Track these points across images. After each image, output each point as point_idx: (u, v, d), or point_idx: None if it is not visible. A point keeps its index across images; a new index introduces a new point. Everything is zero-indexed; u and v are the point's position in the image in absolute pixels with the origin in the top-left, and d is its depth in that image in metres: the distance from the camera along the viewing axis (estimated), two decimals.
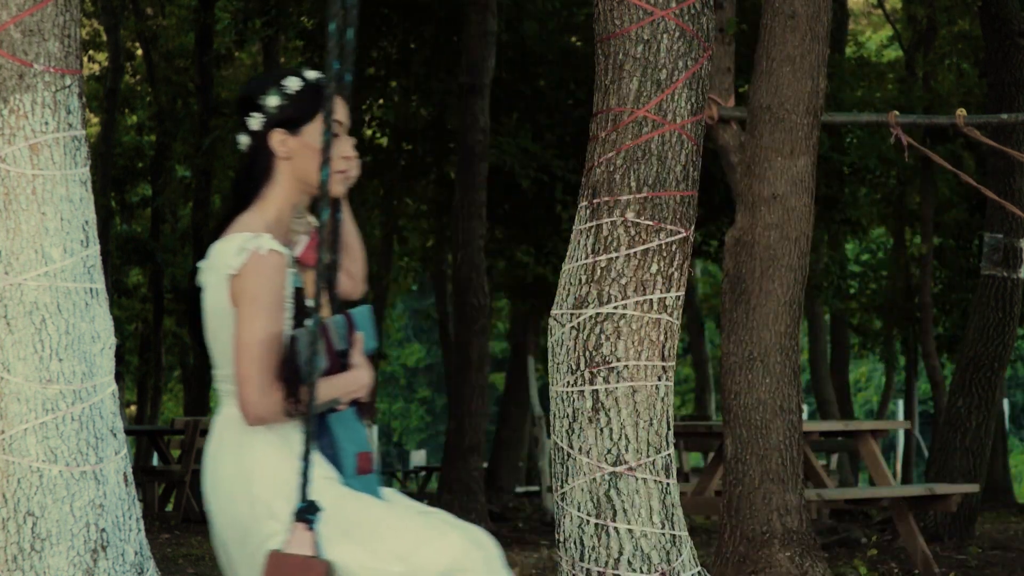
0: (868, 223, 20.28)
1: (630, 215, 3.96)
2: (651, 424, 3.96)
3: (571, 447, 3.98)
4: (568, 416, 4.00)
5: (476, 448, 13.07)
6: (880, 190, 19.29)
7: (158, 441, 14.78)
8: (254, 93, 3.40)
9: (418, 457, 29.68)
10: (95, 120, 22.43)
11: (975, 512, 10.79)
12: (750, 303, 6.43)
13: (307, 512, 3.14)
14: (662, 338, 3.98)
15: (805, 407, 11.52)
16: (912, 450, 23.55)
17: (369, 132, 18.37)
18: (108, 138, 19.61)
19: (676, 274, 4.00)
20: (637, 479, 3.93)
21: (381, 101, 17.68)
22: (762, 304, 6.41)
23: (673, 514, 3.98)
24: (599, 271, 3.98)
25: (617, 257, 3.97)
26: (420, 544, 3.23)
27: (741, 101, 8.86)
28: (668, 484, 3.97)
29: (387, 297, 23.51)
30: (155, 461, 14.90)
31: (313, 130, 3.38)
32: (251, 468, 3.25)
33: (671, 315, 3.99)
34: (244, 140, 3.41)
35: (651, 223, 3.97)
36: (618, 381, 3.95)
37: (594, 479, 3.94)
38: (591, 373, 3.97)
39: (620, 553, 3.93)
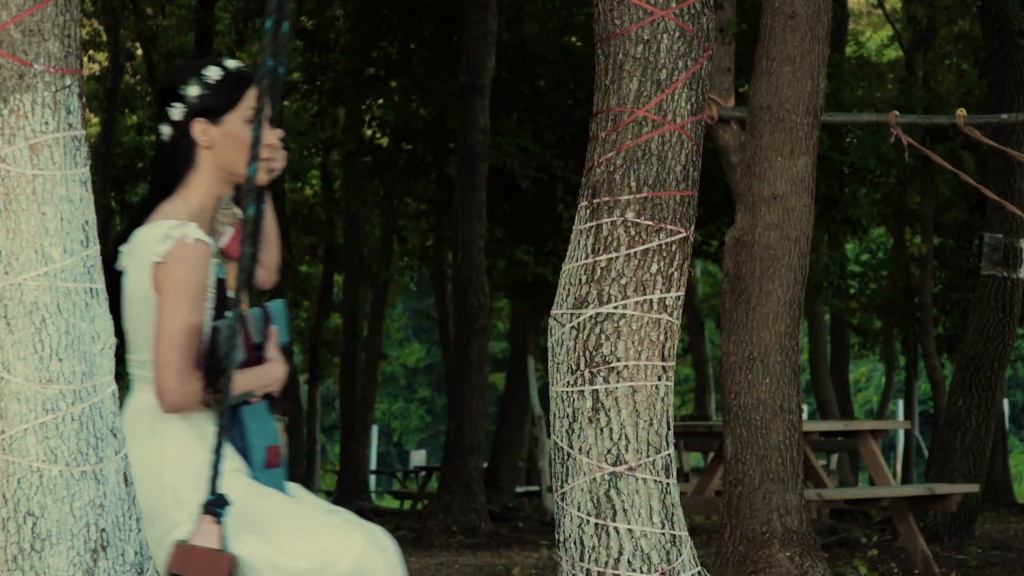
0: (868, 223, 20.28)
1: (630, 215, 3.96)
2: (651, 424, 3.97)
3: (571, 447, 3.99)
4: (568, 416, 4.00)
5: (476, 448, 13.07)
6: (880, 190, 19.30)
7: None
8: (175, 83, 3.41)
9: (418, 457, 29.69)
10: (95, 120, 22.42)
11: (975, 512, 10.79)
12: (750, 303, 6.43)
13: (216, 505, 3.14)
14: (662, 338, 3.98)
15: (805, 407, 11.52)
16: (912, 450, 23.56)
17: (369, 132, 18.38)
18: (108, 138, 19.61)
19: (676, 274, 4.00)
20: (637, 479, 3.93)
21: (381, 101, 17.68)
22: (762, 304, 6.41)
23: (673, 514, 3.98)
24: (599, 271, 3.98)
25: (617, 257, 3.97)
26: (326, 543, 3.25)
27: (741, 101, 8.86)
28: (668, 484, 3.97)
29: (387, 297, 23.52)
30: None
31: (234, 119, 3.39)
32: (163, 456, 3.26)
33: (671, 315, 4.00)
34: (166, 130, 3.41)
35: (651, 223, 3.97)
36: (618, 381, 3.95)
37: (594, 479, 3.95)
38: (591, 373, 3.97)
39: (620, 553, 3.93)
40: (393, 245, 21.73)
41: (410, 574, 9.78)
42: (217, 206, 3.42)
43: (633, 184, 3.98)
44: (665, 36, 4.01)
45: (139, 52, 22.97)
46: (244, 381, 3.30)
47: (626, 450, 3.94)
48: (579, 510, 3.96)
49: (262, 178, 3.33)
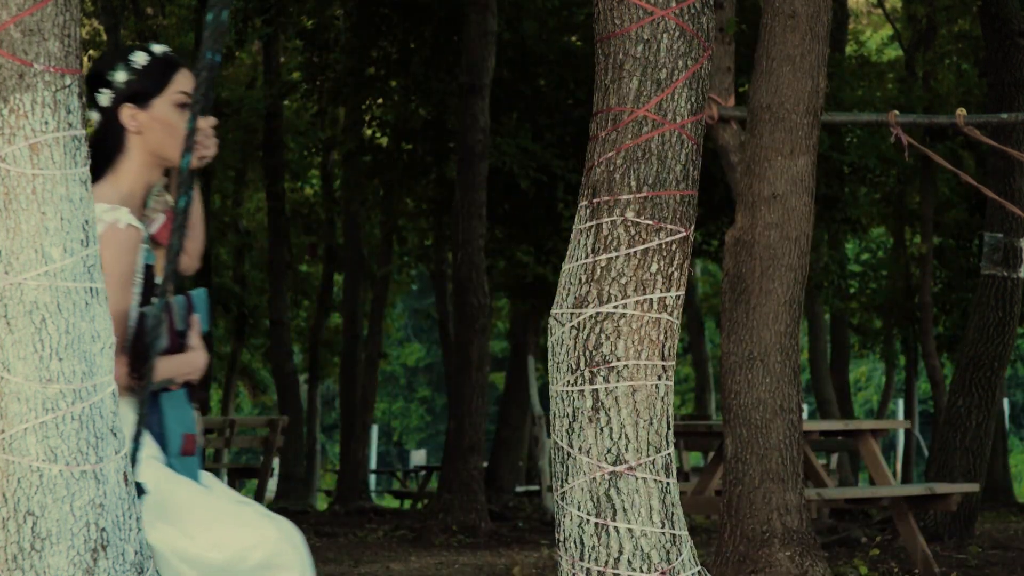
0: (868, 223, 20.29)
1: (630, 215, 3.96)
2: (651, 423, 3.97)
3: (571, 446, 3.99)
4: (568, 415, 4.00)
5: (476, 447, 13.07)
6: (880, 189, 19.30)
7: None
8: (102, 69, 3.42)
9: (418, 456, 29.70)
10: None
11: (975, 512, 10.79)
12: (750, 303, 6.43)
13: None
14: (662, 337, 3.98)
15: (805, 406, 11.52)
16: (912, 450, 23.56)
17: (369, 132, 18.38)
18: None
19: (676, 273, 4.00)
20: (637, 478, 3.93)
21: (381, 101, 17.68)
22: (762, 304, 6.41)
23: (673, 513, 3.98)
24: (599, 270, 3.98)
25: (617, 256, 3.97)
26: (238, 535, 3.25)
27: (741, 100, 8.87)
28: (668, 483, 3.97)
29: (387, 297, 23.52)
30: None
31: (162, 103, 3.40)
32: None
33: (671, 314, 4.00)
34: (95, 116, 3.42)
35: (651, 223, 3.97)
36: (618, 380, 3.95)
37: (594, 478, 3.95)
38: (591, 372, 3.97)
39: (620, 552, 3.93)
40: (393, 245, 21.73)
41: (410, 574, 9.78)
42: (148, 192, 3.43)
43: (633, 184, 3.98)
44: (665, 36, 4.01)
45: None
46: (166, 368, 3.31)
47: (626, 449, 3.94)
48: (579, 509, 3.96)
49: (193, 163, 3.34)
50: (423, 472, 21.49)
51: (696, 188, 4.09)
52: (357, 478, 20.32)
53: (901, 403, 27.55)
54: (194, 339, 3.42)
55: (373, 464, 27.62)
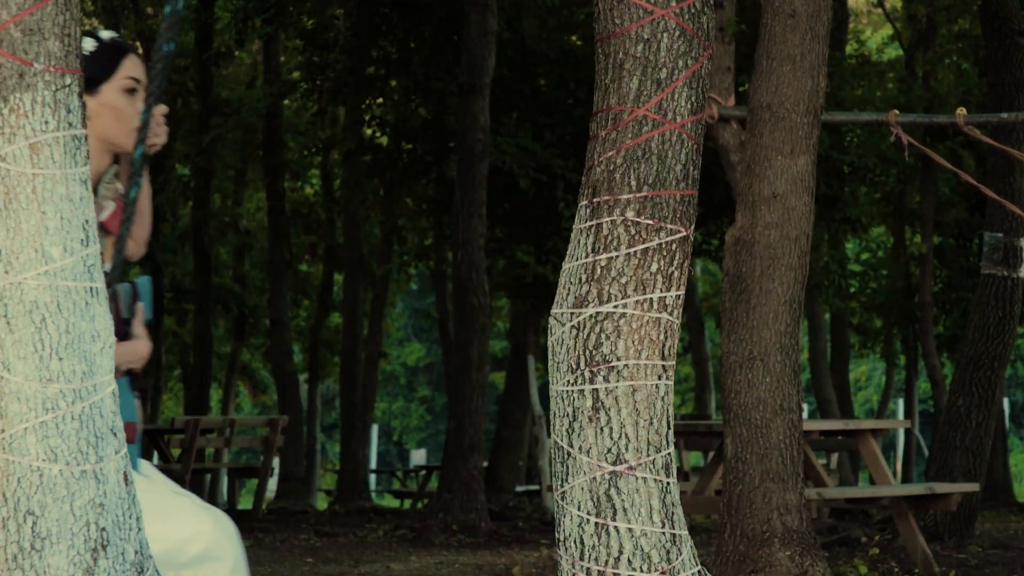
0: (868, 222, 20.29)
1: (630, 214, 3.96)
2: (651, 423, 3.97)
3: (571, 446, 3.99)
4: (568, 415, 4.00)
5: (476, 447, 13.07)
6: (880, 189, 19.30)
7: (158, 440, 14.79)
8: None
9: (418, 456, 29.71)
10: None
11: (975, 511, 10.79)
12: (750, 302, 6.43)
13: None
14: (662, 337, 3.98)
15: (805, 406, 11.53)
16: (912, 449, 23.56)
17: (369, 132, 18.38)
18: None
19: (676, 273, 4.00)
20: (637, 478, 3.93)
21: (381, 101, 17.68)
22: (762, 303, 6.41)
23: (673, 513, 3.98)
24: (599, 270, 3.98)
25: (617, 256, 3.97)
26: (177, 526, 3.26)
27: (741, 100, 8.86)
28: (668, 483, 3.97)
29: (387, 296, 23.52)
30: (155, 460, 14.94)
31: (111, 90, 3.41)
32: None
33: (671, 314, 4.00)
34: None
35: (651, 222, 3.97)
36: (618, 380, 3.95)
37: (594, 478, 3.95)
38: (591, 372, 3.97)
39: (620, 552, 3.93)
40: (393, 244, 21.73)
41: (410, 573, 9.78)
42: (98, 178, 3.43)
43: (633, 183, 3.98)
44: (665, 35, 4.01)
45: (139, 51, 22.97)
46: None
47: (626, 449, 3.94)
48: (579, 509, 3.96)
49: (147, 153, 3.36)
50: (423, 472, 21.49)
51: (696, 188, 4.09)
52: (357, 478, 20.32)
53: (901, 403, 27.55)
54: (138, 327, 3.43)
55: (373, 464, 27.64)
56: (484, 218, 13.18)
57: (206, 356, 21.07)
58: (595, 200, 4.01)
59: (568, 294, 4.03)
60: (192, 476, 13.92)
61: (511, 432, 19.57)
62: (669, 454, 4.03)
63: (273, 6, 16.62)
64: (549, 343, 4.13)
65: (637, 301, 3.95)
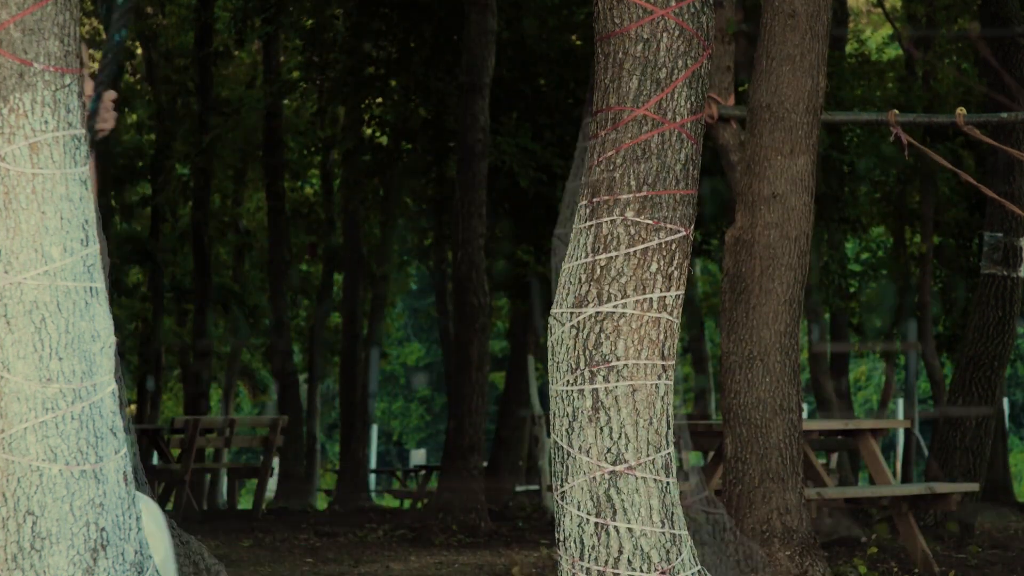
0: (868, 222, 20.28)
1: (630, 214, 3.96)
2: (651, 423, 3.97)
3: (571, 446, 3.98)
4: (568, 415, 4.00)
5: (476, 447, 13.07)
6: (880, 189, 19.31)
7: (158, 440, 14.79)
8: None
9: (418, 456, 29.70)
10: None
11: (975, 511, 10.79)
12: (750, 302, 6.43)
13: None
14: (662, 337, 3.98)
15: (805, 406, 11.53)
16: (912, 449, 23.54)
17: (369, 131, 18.38)
18: (108, 137, 19.62)
19: (676, 273, 4.00)
20: (637, 478, 3.93)
21: (380, 100, 17.69)
22: (762, 303, 6.41)
23: (673, 513, 3.98)
24: (599, 270, 3.98)
25: (617, 256, 3.97)
26: None
27: (741, 100, 8.87)
28: (668, 483, 3.97)
29: (387, 295, 23.52)
30: (155, 460, 14.94)
31: None
32: None
33: (671, 314, 4.00)
34: None
35: (651, 222, 3.97)
36: (618, 380, 3.95)
37: (594, 478, 3.95)
38: (591, 372, 3.97)
39: (620, 552, 3.93)
40: (393, 244, 21.74)
41: (410, 573, 9.79)
42: None
43: (633, 183, 3.98)
44: (665, 35, 4.01)
45: (139, 51, 22.99)
46: None
47: (626, 449, 3.94)
48: (579, 509, 3.96)
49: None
50: (423, 472, 21.49)
51: (696, 187, 4.09)
52: (357, 478, 20.31)
53: (901, 402, 27.55)
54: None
55: (373, 464, 27.64)
56: (484, 218, 13.18)
57: (206, 356, 21.08)
58: (595, 200, 4.01)
59: (568, 294, 4.03)
60: (192, 476, 13.91)
61: (511, 432, 19.57)
62: (669, 454, 4.03)
63: (273, 6, 16.63)
64: (549, 343, 4.13)
65: (637, 301, 3.95)
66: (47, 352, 2.93)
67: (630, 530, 3.92)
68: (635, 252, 3.97)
